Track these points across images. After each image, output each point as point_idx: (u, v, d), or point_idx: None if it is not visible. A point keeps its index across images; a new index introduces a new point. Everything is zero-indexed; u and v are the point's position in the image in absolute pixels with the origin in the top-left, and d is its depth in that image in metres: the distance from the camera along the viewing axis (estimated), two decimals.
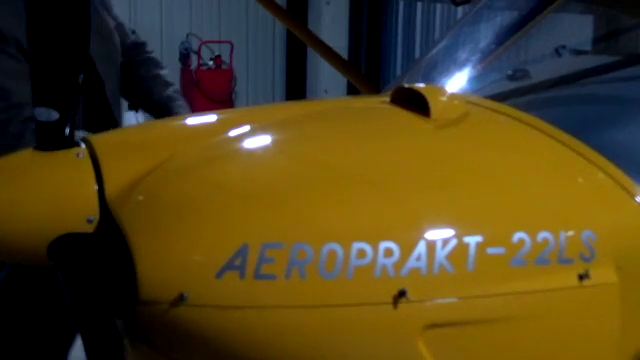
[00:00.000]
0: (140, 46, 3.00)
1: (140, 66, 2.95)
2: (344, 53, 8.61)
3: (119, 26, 2.93)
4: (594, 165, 1.80)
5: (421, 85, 1.99)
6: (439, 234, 1.57)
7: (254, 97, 9.84)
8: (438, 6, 8.61)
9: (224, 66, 9.31)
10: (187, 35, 9.23)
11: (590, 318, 1.71)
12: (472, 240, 1.58)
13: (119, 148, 1.80)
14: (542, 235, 1.63)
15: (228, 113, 2.22)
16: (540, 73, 2.63)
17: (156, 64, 3.00)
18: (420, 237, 1.56)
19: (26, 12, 2.46)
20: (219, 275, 1.49)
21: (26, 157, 1.69)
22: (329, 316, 1.52)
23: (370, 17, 9.43)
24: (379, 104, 2.07)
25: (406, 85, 2.02)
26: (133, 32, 3.02)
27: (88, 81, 2.63)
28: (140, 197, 1.63)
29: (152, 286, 1.50)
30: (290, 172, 1.71)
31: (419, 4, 8.89)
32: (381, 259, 1.53)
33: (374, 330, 1.55)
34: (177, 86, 3.07)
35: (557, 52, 2.70)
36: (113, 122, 2.76)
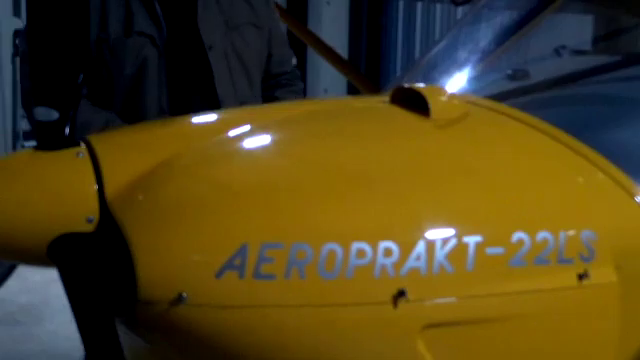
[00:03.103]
0: (294, 76, 2.90)
1: (279, 89, 2.84)
2: (344, 53, 8.60)
3: (275, 34, 2.80)
4: (594, 165, 1.80)
5: (421, 85, 1.99)
6: (438, 234, 1.58)
7: None
8: (438, 6, 8.61)
9: None
10: None
11: (589, 318, 1.71)
12: (471, 240, 1.58)
13: (119, 148, 1.80)
14: (541, 235, 1.63)
15: (228, 113, 2.22)
16: (540, 73, 2.63)
17: (298, 93, 2.90)
18: (419, 237, 1.56)
19: (26, 12, 2.47)
20: (218, 275, 1.49)
21: (26, 157, 1.70)
22: (328, 316, 1.53)
23: (370, 17, 9.42)
24: (379, 104, 2.08)
25: (406, 85, 2.02)
26: (292, 55, 2.91)
27: (197, 70, 2.58)
28: (140, 197, 1.63)
29: (152, 286, 1.50)
30: (289, 172, 1.71)
31: (419, 4, 8.89)
32: (380, 259, 1.53)
33: (373, 330, 1.55)
34: None
35: (557, 52, 2.70)
36: None
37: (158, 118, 2.51)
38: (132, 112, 2.56)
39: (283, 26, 2.95)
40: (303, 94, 2.95)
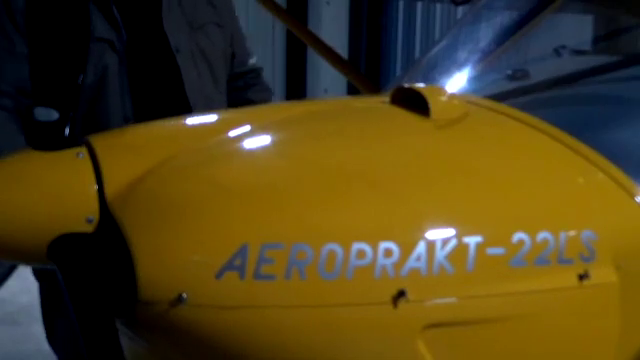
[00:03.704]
0: (257, 73, 2.88)
1: (250, 90, 2.82)
2: (344, 53, 8.60)
3: (237, 33, 2.79)
4: (594, 165, 1.80)
5: (421, 85, 1.99)
6: (439, 234, 1.58)
7: None
8: (438, 6, 8.60)
9: None
10: None
11: (590, 318, 1.71)
12: (472, 240, 1.58)
13: (119, 148, 1.80)
14: (542, 235, 1.63)
15: (228, 113, 2.22)
16: (540, 73, 2.63)
17: (267, 91, 2.89)
18: (420, 237, 1.56)
19: (26, 12, 2.46)
20: (219, 275, 1.49)
21: (26, 157, 1.69)
22: (329, 316, 1.52)
23: (370, 17, 9.42)
24: (379, 104, 2.07)
25: (406, 85, 2.02)
26: (251, 54, 2.88)
27: (164, 75, 2.52)
28: (140, 197, 1.63)
29: (152, 286, 1.50)
30: (289, 172, 1.71)
31: (419, 4, 8.88)
32: (381, 259, 1.53)
33: (374, 330, 1.55)
34: None
35: (557, 52, 2.70)
36: None
37: (122, 126, 2.42)
38: (95, 122, 2.45)
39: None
40: (270, 89, 2.92)
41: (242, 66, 2.81)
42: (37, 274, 2.63)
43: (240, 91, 2.80)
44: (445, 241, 1.57)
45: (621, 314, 1.71)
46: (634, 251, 1.75)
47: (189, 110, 2.51)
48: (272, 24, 9.65)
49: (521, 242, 1.61)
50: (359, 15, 9.59)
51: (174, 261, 1.51)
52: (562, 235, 1.65)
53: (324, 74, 9.04)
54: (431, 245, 1.56)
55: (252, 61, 2.87)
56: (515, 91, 2.47)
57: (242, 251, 1.49)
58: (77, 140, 1.73)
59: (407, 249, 1.54)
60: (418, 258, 1.55)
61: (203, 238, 1.53)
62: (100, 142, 1.75)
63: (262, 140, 1.85)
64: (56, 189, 1.64)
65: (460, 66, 2.51)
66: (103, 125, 2.44)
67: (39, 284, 2.69)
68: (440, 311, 1.58)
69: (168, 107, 2.51)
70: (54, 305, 2.64)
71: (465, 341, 1.62)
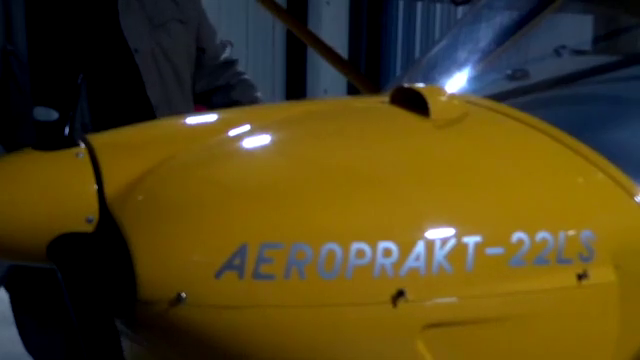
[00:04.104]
0: (232, 66, 2.76)
1: (235, 89, 2.72)
2: (344, 53, 8.60)
3: (204, 27, 2.68)
4: (594, 165, 1.80)
5: (421, 85, 1.99)
6: (438, 234, 1.58)
7: None
8: (438, 6, 8.60)
9: None
10: None
11: (589, 318, 1.71)
12: (471, 240, 1.58)
13: (119, 148, 1.80)
14: (541, 235, 1.63)
15: (228, 113, 2.22)
16: (540, 73, 2.63)
17: (252, 87, 2.78)
18: (419, 237, 1.56)
19: (26, 13, 2.46)
20: (218, 275, 1.49)
21: (26, 157, 1.69)
22: (328, 316, 1.52)
23: (370, 17, 9.42)
24: (379, 104, 2.07)
25: (406, 85, 2.02)
26: (224, 46, 2.78)
27: (123, 78, 2.45)
28: (139, 197, 1.63)
29: (151, 286, 1.50)
30: (289, 172, 1.71)
31: (419, 4, 8.89)
32: (380, 259, 1.53)
33: (373, 330, 1.55)
34: None
35: (557, 52, 2.69)
36: None
37: (81, 134, 2.35)
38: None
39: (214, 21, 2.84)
40: (255, 86, 2.81)
41: (214, 60, 2.72)
42: (6, 284, 2.58)
43: (224, 92, 2.73)
44: (444, 241, 1.57)
45: (620, 314, 1.71)
46: (633, 251, 1.75)
47: (151, 112, 2.44)
48: (272, 24, 9.66)
49: (520, 242, 1.61)
50: (359, 15, 9.59)
51: (173, 261, 1.51)
52: (561, 235, 1.65)
53: (324, 74, 9.04)
54: (430, 245, 1.56)
55: (225, 55, 2.77)
56: (515, 91, 2.47)
57: (241, 251, 1.49)
58: (77, 140, 1.73)
59: (406, 249, 1.54)
60: (417, 258, 1.55)
61: (202, 238, 1.53)
62: (100, 142, 1.75)
63: (262, 140, 1.85)
64: (56, 189, 1.64)
65: (460, 66, 2.51)
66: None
67: (8, 294, 2.64)
68: (439, 311, 1.58)
69: (129, 110, 2.43)
70: (26, 315, 2.63)
71: (464, 341, 1.62)
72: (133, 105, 2.46)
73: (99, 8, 2.47)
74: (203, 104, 2.79)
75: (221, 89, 2.73)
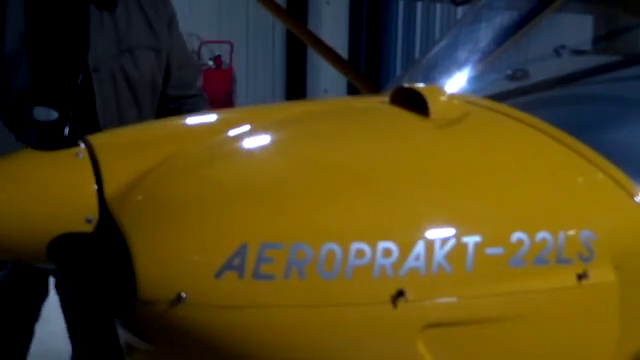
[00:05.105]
0: (196, 98, 2.75)
1: (187, 104, 2.70)
2: (344, 53, 8.61)
3: (175, 56, 2.66)
4: (594, 165, 1.80)
5: (421, 85, 1.99)
6: (438, 234, 1.58)
7: (254, 97, 9.84)
8: (438, 6, 8.61)
9: (224, 66, 9.31)
10: (187, 35, 9.22)
11: (589, 318, 1.71)
12: (471, 240, 1.58)
13: (119, 148, 1.80)
14: (541, 235, 1.63)
15: (228, 113, 2.22)
16: (540, 73, 2.63)
17: (204, 105, 2.76)
18: (419, 237, 1.56)
19: (26, 13, 2.47)
20: (218, 275, 1.49)
21: (26, 157, 1.70)
22: (328, 316, 1.52)
23: (370, 17, 9.43)
24: (379, 104, 2.07)
25: (406, 85, 2.02)
26: (194, 52, 2.77)
27: (81, 93, 2.44)
28: (139, 197, 1.63)
29: (151, 286, 1.50)
30: (289, 172, 1.71)
31: (419, 4, 8.90)
32: (380, 259, 1.53)
33: (373, 330, 1.55)
34: None
35: (557, 52, 2.70)
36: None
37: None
38: (18, 128, 2.42)
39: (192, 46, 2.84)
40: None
41: (178, 90, 2.70)
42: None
43: (174, 102, 2.70)
44: (444, 241, 1.57)
45: (620, 314, 1.71)
46: (633, 251, 1.75)
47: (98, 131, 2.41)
48: (272, 24, 9.67)
49: (520, 242, 1.61)
50: (359, 15, 9.60)
51: (173, 261, 1.51)
52: (561, 235, 1.65)
53: (324, 74, 9.06)
54: (430, 245, 1.56)
55: (197, 86, 2.77)
56: (515, 91, 2.47)
57: (241, 251, 1.49)
58: (76, 140, 1.73)
59: (406, 249, 1.54)
60: (417, 258, 1.55)
61: (202, 238, 1.53)
62: (100, 142, 1.75)
63: (262, 140, 1.85)
64: (56, 189, 1.64)
65: (460, 66, 2.51)
66: (26, 131, 2.41)
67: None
68: (439, 311, 1.58)
69: (76, 126, 2.43)
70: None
71: (464, 341, 1.62)
72: (82, 121, 2.45)
73: (73, 22, 2.48)
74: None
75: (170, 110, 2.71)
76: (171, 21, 2.68)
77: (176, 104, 2.71)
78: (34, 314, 2.76)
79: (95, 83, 2.46)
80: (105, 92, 2.48)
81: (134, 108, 2.56)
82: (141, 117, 2.57)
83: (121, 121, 2.49)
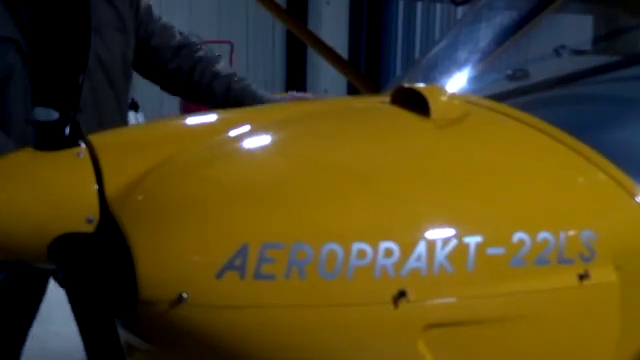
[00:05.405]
0: (184, 48, 2.72)
1: (193, 72, 2.69)
2: (344, 53, 8.61)
3: (150, 30, 2.66)
4: (594, 165, 1.80)
5: (421, 85, 1.99)
6: (439, 234, 1.58)
7: None
8: (438, 6, 8.62)
9: None
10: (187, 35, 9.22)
11: (590, 318, 1.71)
12: (472, 240, 1.58)
13: (119, 148, 1.80)
14: (542, 235, 1.63)
15: (228, 113, 2.22)
16: (540, 73, 2.63)
17: (208, 62, 2.71)
18: (420, 237, 1.56)
19: (27, 13, 2.47)
20: (219, 275, 1.49)
21: (26, 157, 1.69)
22: (329, 316, 1.52)
23: (370, 17, 9.43)
24: (379, 104, 2.07)
25: (406, 85, 2.02)
26: (181, 33, 2.75)
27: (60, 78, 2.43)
28: (140, 197, 1.63)
29: (152, 286, 1.50)
30: (290, 172, 1.71)
31: (419, 4, 8.90)
32: (381, 259, 1.53)
33: (374, 330, 1.55)
34: (234, 72, 2.73)
35: (557, 52, 2.70)
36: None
37: (24, 130, 2.40)
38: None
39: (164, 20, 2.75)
40: (218, 59, 2.75)
41: (167, 51, 2.69)
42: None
43: (184, 76, 2.70)
44: (445, 241, 1.57)
45: (621, 314, 1.71)
46: (634, 251, 1.75)
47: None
48: (272, 24, 9.67)
49: (521, 242, 1.61)
50: (359, 15, 9.60)
51: (174, 261, 1.51)
52: (562, 235, 1.65)
53: (324, 74, 9.06)
54: (431, 245, 1.56)
55: (178, 39, 2.75)
56: (515, 91, 2.47)
57: (242, 251, 1.49)
58: (77, 140, 1.73)
59: (407, 249, 1.54)
60: (418, 258, 1.55)
61: (204, 238, 1.53)
62: (100, 142, 1.75)
63: (262, 140, 1.85)
64: (56, 189, 1.64)
65: (460, 66, 2.51)
66: (5, 127, 2.41)
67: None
68: (440, 311, 1.58)
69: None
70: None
71: (465, 341, 1.62)
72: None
73: (46, 10, 2.48)
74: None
75: (180, 74, 2.71)
76: (132, 1, 2.66)
77: (189, 78, 2.69)
78: (30, 316, 2.76)
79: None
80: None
81: (108, 88, 2.57)
82: (117, 99, 2.60)
83: (96, 102, 2.51)
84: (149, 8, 2.71)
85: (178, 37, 2.75)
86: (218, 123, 1.99)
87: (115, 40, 2.58)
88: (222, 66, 2.74)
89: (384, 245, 1.53)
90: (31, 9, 2.46)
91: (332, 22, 9.24)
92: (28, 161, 1.68)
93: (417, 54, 8.81)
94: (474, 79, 2.43)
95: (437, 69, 2.62)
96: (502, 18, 2.79)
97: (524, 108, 1.98)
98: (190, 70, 2.71)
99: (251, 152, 1.82)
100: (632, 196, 1.78)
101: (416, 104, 1.87)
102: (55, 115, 2.46)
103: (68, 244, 1.61)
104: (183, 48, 2.73)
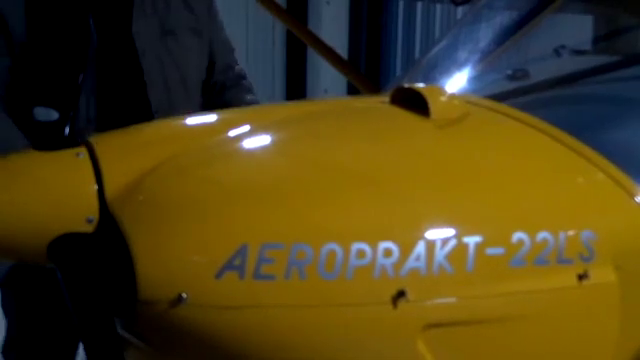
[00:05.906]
0: (236, 73, 2.75)
1: (229, 90, 2.71)
2: (344, 53, 8.60)
3: (218, 42, 2.68)
4: (594, 165, 1.81)
5: (421, 85, 1.99)
6: (438, 234, 1.58)
7: None
8: (438, 6, 8.61)
9: None
10: None
11: (589, 318, 1.71)
12: (471, 240, 1.58)
13: (119, 148, 1.80)
14: (541, 235, 1.63)
15: (228, 113, 2.22)
16: (540, 73, 2.63)
17: (246, 90, 2.75)
18: (419, 237, 1.56)
19: (27, 12, 2.47)
20: (218, 275, 1.49)
21: (26, 157, 1.70)
22: (328, 316, 1.53)
23: (370, 17, 9.42)
24: (379, 104, 2.07)
25: (406, 85, 2.02)
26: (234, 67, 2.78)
27: (129, 78, 2.47)
28: (140, 197, 1.63)
29: (152, 286, 1.50)
30: (289, 172, 1.71)
31: (419, 4, 8.89)
32: (380, 259, 1.53)
33: (373, 330, 1.55)
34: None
35: (557, 52, 2.70)
36: None
37: (85, 128, 2.39)
38: None
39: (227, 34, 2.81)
40: (252, 91, 2.78)
41: (223, 75, 2.72)
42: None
43: (219, 94, 2.72)
44: (445, 241, 1.57)
45: (621, 314, 1.71)
46: (634, 251, 1.75)
47: (151, 115, 2.46)
48: (272, 24, 9.66)
49: (521, 242, 1.62)
50: (359, 15, 9.59)
51: (174, 261, 1.51)
52: (561, 235, 1.65)
53: (324, 74, 9.05)
54: (431, 245, 1.56)
55: (237, 69, 2.79)
56: (515, 91, 2.47)
57: (242, 251, 1.49)
58: (77, 140, 1.73)
59: (407, 249, 1.54)
60: (418, 258, 1.55)
61: (203, 238, 1.53)
62: (100, 142, 1.75)
63: (262, 140, 1.85)
64: (56, 189, 1.64)
65: (460, 66, 2.51)
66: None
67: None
68: (440, 311, 1.58)
69: (130, 110, 2.46)
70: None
71: (465, 341, 1.62)
72: (134, 106, 2.48)
73: (115, 10, 2.50)
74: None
75: (216, 88, 2.73)
76: (210, 6, 2.69)
77: (221, 84, 2.71)
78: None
79: (144, 67, 2.48)
80: (153, 74, 2.50)
81: (182, 90, 2.57)
82: (189, 100, 2.59)
83: (170, 104, 2.51)
84: (221, 24, 2.75)
85: (237, 69, 2.76)
86: (218, 123, 1.99)
87: (190, 41, 2.59)
88: (251, 99, 2.76)
89: (383, 245, 1.53)
90: (34, 10, 2.46)
91: (332, 22, 9.23)
92: (28, 161, 1.68)
93: (417, 54, 8.80)
94: (474, 79, 2.43)
95: (437, 69, 2.62)
96: (502, 18, 2.79)
97: (524, 108, 1.98)
98: (225, 87, 2.73)
99: (251, 152, 1.82)
100: (632, 196, 1.78)
101: (416, 104, 1.87)
102: (55, 115, 2.46)
103: (68, 244, 1.61)
104: (239, 79, 2.75)
